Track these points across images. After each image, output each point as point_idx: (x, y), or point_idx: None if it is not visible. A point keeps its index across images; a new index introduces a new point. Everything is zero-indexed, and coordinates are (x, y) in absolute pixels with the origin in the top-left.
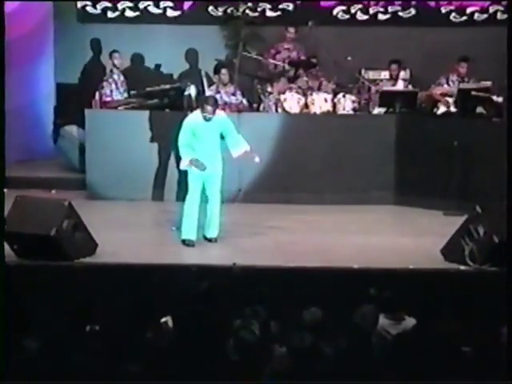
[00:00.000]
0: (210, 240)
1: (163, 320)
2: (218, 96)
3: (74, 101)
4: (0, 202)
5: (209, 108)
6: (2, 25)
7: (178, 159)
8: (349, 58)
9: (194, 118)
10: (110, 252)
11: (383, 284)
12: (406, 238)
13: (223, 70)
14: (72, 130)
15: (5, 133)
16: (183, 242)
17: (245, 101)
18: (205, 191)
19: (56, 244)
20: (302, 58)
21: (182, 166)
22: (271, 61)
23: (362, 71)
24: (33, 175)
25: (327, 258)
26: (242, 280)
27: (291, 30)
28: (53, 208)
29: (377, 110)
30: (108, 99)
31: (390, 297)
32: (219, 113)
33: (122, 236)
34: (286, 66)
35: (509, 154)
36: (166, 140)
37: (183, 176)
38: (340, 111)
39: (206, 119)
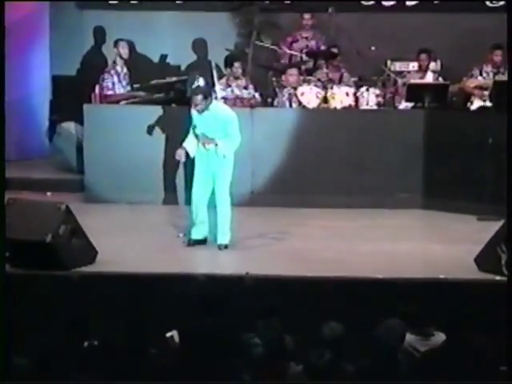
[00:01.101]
0: (219, 247)
1: (169, 335)
2: (228, 89)
3: (72, 95)
4: (0, 205)
5: (196, 99)
6: (2, 25)
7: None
8: (373, 48)
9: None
10: (110, 260)
11: (410, 296)
12: (435, 245)
13: (236, 64)
14: (69, 126)
15: (4, 133)
16: (192, 241)
17: (257, 95)
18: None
19: (51, 251)
20: (322, 47)
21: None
22: (287, 51)
23: (388, 62)
24: (26, 176)
25: (349, 267)
26: (255, 291)
27: (307, 16)
28: (48, 212)
29: (403, 105)
30: (109, 92)
31: (417, 310)
32: (222, 106)
33: (123, 243)
34: (304, 57)
35: (509, 153)
36: (172, 137)
37: (190, 176)
38: (363, 106)
39: (199, 111)
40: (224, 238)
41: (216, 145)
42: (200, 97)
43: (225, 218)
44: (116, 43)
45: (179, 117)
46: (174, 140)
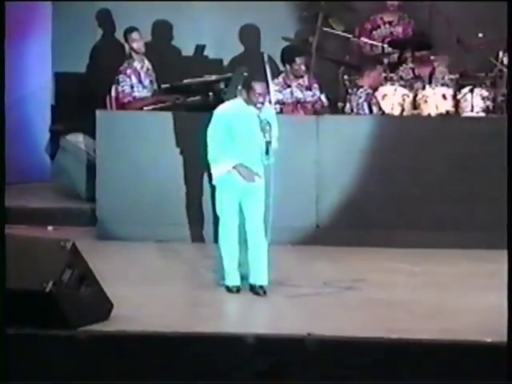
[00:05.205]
0: (259, 288)
1: None
2: (287, 91)
3: (80, 98)
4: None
5: (260, 87)
6: (2, 25)
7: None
8: (480, 35)
9: (231, 107)
10: (129, 316)
11: None
12: None
13: (298, 60)
14: (77, 139)
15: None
16: (228, 289)
17: (324, 97)
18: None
19: (53, 304)
20: (410, 35)
21: (218, 174)
22: (365, 40)
23: (500, 54)
24: (20, 205)
25: (446, 327)
26: (319, 357)
27: None
28: (49, 252)
29: None
30: (127, 99)
31: None
32: (266, 105)
33: (146, 293)
34: (387, 48)
35: (509, 154)
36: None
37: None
38: (466, 112)
39: (260, 106)
40: (260, 277)
41: (270, 140)
42: (264, 85)
43: (264, 252)
44: (125, 35)
45: None
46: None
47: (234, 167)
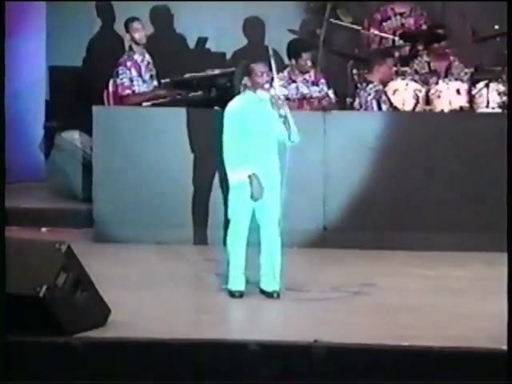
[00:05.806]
0: (271, 295)
1: None
2: (292, 86)
3: (76, 93)
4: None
5: (258, 69)
6: (2, 25)
7: (224, 177)
8: (496, 27)
9: (241, 102)
10: (127, 322)
11: None
12: None
13: (305, 55)
14: (72, 137)
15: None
16: (231, 294)
17: (331, 93)
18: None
19: (47, 310)
20: (423, 27)
21: (235, 180)
22: (375, 32)
23: None
24: (13, 205)
25: (459, 334)
26: (326, 365)
27: None
28: (43, 255)
29: None
30: (126, 92)
31: None
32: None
33: (145, 297)
34: (398, 40)
35: (509, 154)
36: (210, 152)
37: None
38: (481, 108)
39: (264, 88)
40: (273, 282)
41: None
42: (264, 64)
43: (275, 252)
44: (127, 25)
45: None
46: (212, 156)
47: (248, 176)
